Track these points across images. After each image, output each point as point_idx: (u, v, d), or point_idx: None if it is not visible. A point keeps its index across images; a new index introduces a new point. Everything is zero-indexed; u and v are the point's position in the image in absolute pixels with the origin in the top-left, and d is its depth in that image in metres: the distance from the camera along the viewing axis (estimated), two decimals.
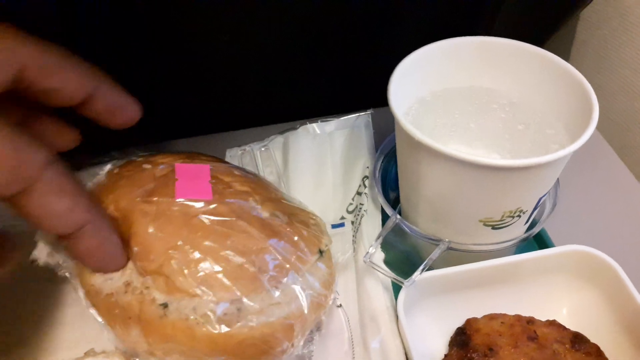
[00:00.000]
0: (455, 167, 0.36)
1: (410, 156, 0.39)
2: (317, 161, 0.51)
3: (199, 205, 0.37)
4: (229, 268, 0.35)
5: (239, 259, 0.35)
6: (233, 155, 0.53)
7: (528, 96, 0.43)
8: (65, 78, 0.33)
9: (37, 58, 0.31)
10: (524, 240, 0.42)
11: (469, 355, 0.39)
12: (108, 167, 0.42)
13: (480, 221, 0.40)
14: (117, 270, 0.36)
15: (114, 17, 0.46)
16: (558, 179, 0.43)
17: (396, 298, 0.40)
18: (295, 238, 0.38)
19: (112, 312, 0.36)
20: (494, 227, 0.40)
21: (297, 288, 0.36)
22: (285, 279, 0.36)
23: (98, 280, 0.37)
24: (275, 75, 0.57)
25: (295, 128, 0.53)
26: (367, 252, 0.41)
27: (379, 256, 0.42)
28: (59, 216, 0.31)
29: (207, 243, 0.35)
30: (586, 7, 0.59)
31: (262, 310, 0.34)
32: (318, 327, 0.40)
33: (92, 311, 0.38)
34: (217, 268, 0.34)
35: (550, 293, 0.43)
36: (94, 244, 0.33)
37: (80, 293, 0.38)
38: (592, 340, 0.40)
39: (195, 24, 0.50)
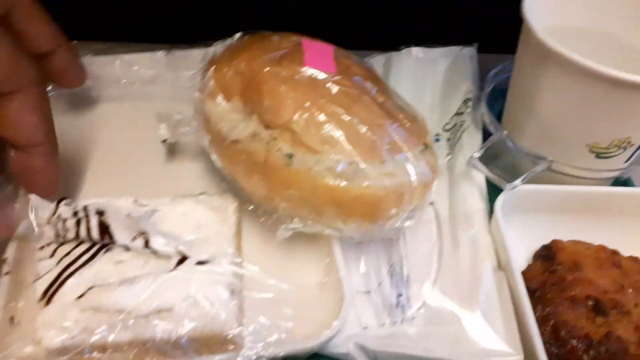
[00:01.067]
0: (583, 80, 0.37)
1: (533, 70, 0.41)
2: (418, 81, 0.53)
3: (325, 75, 0.39)
4: (351, 133, 0.37)
5: (361, 127, 0.37)
6: None
7: None
8: (42, 28, 0.38)
9: (26, 2, 0.36)
10: (623, 175, 0.44)
11: (554, 267, 0.41)
12: (238, 34, 0.45)
13: (587, 146, 0.41)
14: (47, 195, 0.37)
15: None
16: None
17: (490, 204, 0.42)
18: (407, 124, 0.40)
19: (237, 157, 0.39)
20: (598, 155, 0.42)
21: (409, 165, 0.38)
22: (399, 155, 0.38)
23: (224, 127, 0.39)
24: None
25: (398, 49, 0.55)
26: (472, 156, 0.43)
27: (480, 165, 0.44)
28: (24, 127, 0.34)
29: (332, 108, 0.37)
30: None
31: (377, 177, 0.36)
32: (416, 211, 0.42)
33: (214, 157, 0.40)
34: (340, 132, 0.36)
35: (635, 232, 0.44)
36: (39, 164, 0.36)
37: (205, 141, 0.41)
38: None
39: None
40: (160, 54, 0.52)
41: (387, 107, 0.40)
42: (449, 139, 0.49)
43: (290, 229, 0.37)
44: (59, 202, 0.38)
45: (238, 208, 0.40)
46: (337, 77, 0.39)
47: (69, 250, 0.36)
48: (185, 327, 0.33)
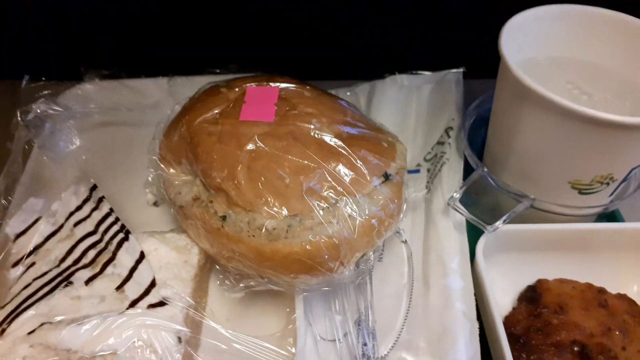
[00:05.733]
0: (563, 120, 0.36)
1: (511, 107, 0.39)
2: (401, 110, 0.52)
3: (259, 127, 0.39)
4: (280, 187, 0.36)
5: (289, 179, 0.36)
6: None
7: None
8: None
9: None
10: (607, 209, 0.42)
11: (538, 310, 0.40)
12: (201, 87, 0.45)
13: (569, 183, 0.40)
14: None
15: None
16: None
17: (471, 245, 0.41)
18: (357, 162, 0.38)
19: (185, 222, 0.40)
20: (580, 192, 0.40)
21: (347, 210, 0.36)
22: (336, 201, 0.36)
23: (171, 194, 0.41)
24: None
25: (383, 77, 0.54)
26: (452, 196, 0.41)
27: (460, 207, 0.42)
28: None
29: (262, 162, 0.37)
30: None
31: (311, 229, 0.35)
32: (379, 254, 0.41)
33: (177, 216, 0.41)
34: (269, 186, 0.36)
35: (622, 268, 0.43)
36: None
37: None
38: None
39: None
40: (162, 80, 0.53)
41: (331, 146, 0.39)
42: (429, 170, 0.48)
43: (240, 290, 0.38)
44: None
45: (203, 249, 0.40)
46: (270, 127, 0.39)
47: (33, 277, 0.37)
48: None
